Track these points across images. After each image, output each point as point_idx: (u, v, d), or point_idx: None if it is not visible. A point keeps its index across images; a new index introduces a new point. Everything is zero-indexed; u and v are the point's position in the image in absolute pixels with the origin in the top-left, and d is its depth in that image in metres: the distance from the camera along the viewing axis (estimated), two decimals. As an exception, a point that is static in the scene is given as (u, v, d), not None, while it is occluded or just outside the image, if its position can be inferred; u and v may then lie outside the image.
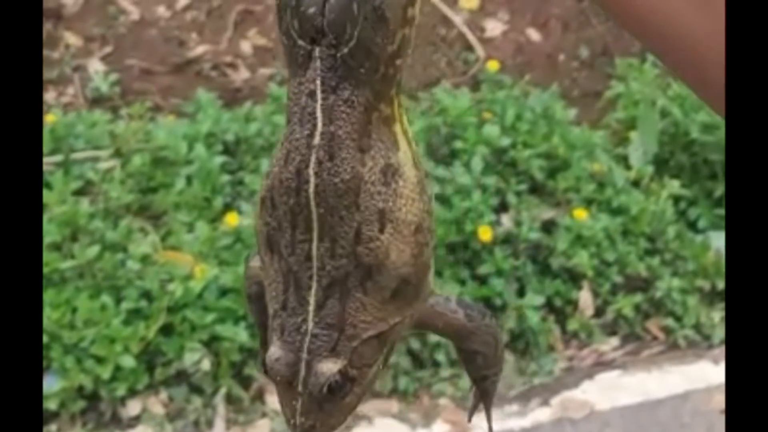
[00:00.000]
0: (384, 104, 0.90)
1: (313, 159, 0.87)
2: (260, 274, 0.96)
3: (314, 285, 0.89)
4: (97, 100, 4.25)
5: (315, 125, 0.88)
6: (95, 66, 4.42)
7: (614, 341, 3.66)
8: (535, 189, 3.80)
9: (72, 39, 4.52)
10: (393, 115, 0.91)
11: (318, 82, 0.88)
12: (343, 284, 0.89)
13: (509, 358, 3.53)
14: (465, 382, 3.41)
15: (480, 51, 4.67)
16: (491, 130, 3.80)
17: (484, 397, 1.06)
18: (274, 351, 0.90)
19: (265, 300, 0.96)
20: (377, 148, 0.89)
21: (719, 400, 3.34)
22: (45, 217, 3.40)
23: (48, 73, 4.34)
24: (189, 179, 3.57)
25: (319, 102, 0.88)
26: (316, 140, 0.88)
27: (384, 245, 0.88)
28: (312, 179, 0.87)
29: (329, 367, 0.89)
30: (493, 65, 4.40)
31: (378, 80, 0.89)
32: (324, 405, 0.90)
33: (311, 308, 0.89)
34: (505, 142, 3.79)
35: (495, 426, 3.12)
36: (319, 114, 0.88)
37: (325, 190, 0.87)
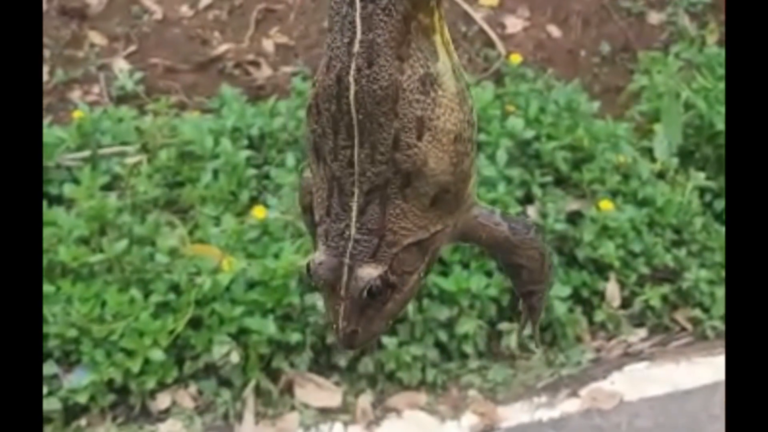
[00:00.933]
0: (423, 14, 0.91)
1: (353, 66, 0.89)
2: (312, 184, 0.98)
3: (356, 191, 0.91)
4: (122, 98, 4.27)
5: (354, 33, 0.90)
6: (120, 65, 4.44)
7: (642, 332, 3.65)
8: (560, 181, 3.79)
9: (97, 38, 4.54)
10: (432, 25, 0.93)
11: None
12: (383, 190, 0.91)
13: (537, 349, 3.53)
14: (493, 373, 3.41)
15: (501, 47, 4.66)
16: (515, 122, 3.80)
17: (531, 312, 1.07)
18: (318, 256, 0.93)
19: None
20: (416, 57, 0.90)
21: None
22: (73, 212, 3.41)
23: (73, 72, 4.37)
24: (215, 173, 3.58)
25: (359, 10, 0.90)
26: (356, 48, 0.89)
27: (422, 152, 0.90)
28: (352, 86, 0.89)
29: (369, 272, 0.92)
30: (515, 58, 4.39)
31: None
32: (365, 310, 0.93)
33: (354, 214, 0.92)
34: (529, 134, 3.80)
35: (524, 418, 3.10)
36: (358, 22, 0.90)
37: (364, 96, 0.89)
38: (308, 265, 0.95)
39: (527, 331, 1.18)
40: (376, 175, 0.90)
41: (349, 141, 0.90)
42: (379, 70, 0.89)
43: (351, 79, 0.89)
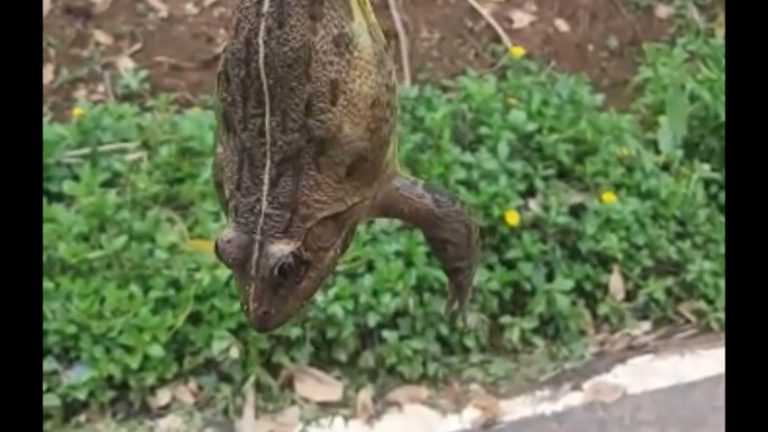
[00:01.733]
0: None
1: (262, 27, 0.84)
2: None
3: (268, 162, 0.86)
4: (127, 97, 4.27)
5: None
6: (125, 63, 4.44)
7: (646, 325, 3.63)
8: (563, 174, 3.77)
9: (102, 37, 4.55)
10: None
11: None
12: (296, 160, 0.85)
13: (539, 343, 3.51)
14: (496, 367, 3.40)
15: (508, 42, 4.64)
16: (517, 115, 3.78)
17: (458, 291, 1.01)
18: (227, 233, 0.87)
19: None
20: (329, 16, 0.85)
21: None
22: (73, 209, 3.42)
23: (78, 71, 4.37)
24: (215, 169, 3.57)
25: None
26: (265, 7, 0.84)
27: (336, 118, 0.85)
28: (261, 48, 0.84)
29: (281, 249, 0.85)
30: (517, 51, 4.37)
31: None
32: (278, 290, 0.86)
33: (265, 187, 0.86)
34: (531, 127, 3.77)
35: (526, 411, 3.07)
36: None
37: (274, 59, 0.84)
38: (216, 243, 0.89)
39: (463, 320, 1.13)
40: (288, 144, 0.85)
41: (260, 108, 0.85)
42: (290, 30, 0.84)
43: (260, 42, 0.84)
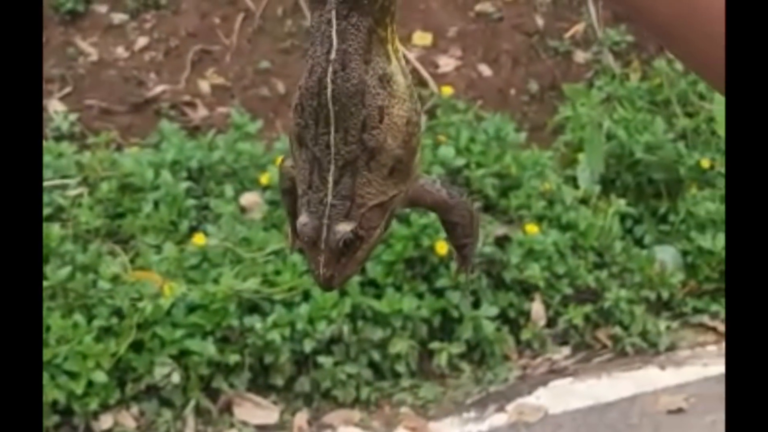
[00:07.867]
0: (381, 28, 1.14)
1: (330, 70, 1.12)
2: (292, 171, 1.21)
3: (332, 167, 1.13)
4: (58, 139, 4.29)
5: (331, 44, 1.13)
6: (55, 106, 4.50)
7: (566, 350, 3.83)
8: (489, 206, 3.98)
9: (33, 80, 4.62)
10: (387, 37, 1.15)
11: (333, 12, 1.14)
12: (353, 165, 1.12)
13: (466, 367, 3.68)
14: (425, 390, 3.56)
15: (434, 86, 4.82)
16: (446, 151, 3.99)
17: (464, 260, 1.30)
18: (303, 219, 1.15)
19: (295, 192, 1.20)
20: (376, 61, 1.12)
21: (665, 402, 3.52)
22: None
23: (10, 113, 4.45)
24: (156, 204, 3.71)
25: (335, 27, 1.13)
26: (332, 55, 1.12)
27: (383, 133, 1.12)
28: (329, 85, 1.12)
29: (344, 228, 1.13)
30: (446, 90, 4.58)
31: (377, 10, 1.14)
32: (341, 258, 1.14)
33: (330, 185, 1.14)
34: (460, 162, 3.99)
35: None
36: (334, 36, 1.13)
37: (339, 93, 1.11)
38: (294, 228, 1.16)
39: (462, 277, 1.38)
40: (348, 153, 1.11)
41: (327, 129, 1.11)
42: (351, 72, 1.10)
43: (329, 80, 1.10)
